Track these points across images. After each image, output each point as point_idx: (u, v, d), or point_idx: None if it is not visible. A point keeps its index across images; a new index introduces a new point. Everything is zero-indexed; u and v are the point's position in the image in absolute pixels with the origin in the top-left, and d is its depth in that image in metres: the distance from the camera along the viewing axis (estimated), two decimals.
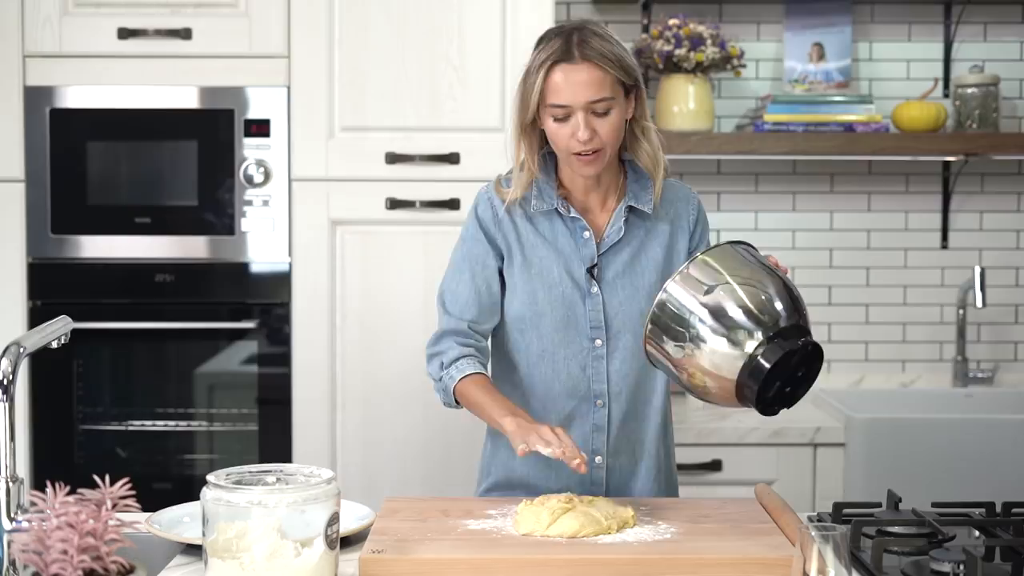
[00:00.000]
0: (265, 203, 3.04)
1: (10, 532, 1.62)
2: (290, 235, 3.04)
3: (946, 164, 3.59)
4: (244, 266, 3.05)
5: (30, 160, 3.03)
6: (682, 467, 3.05)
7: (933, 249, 3.63)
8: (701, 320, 1.80)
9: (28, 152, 3.03)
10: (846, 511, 1.99)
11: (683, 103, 3.37)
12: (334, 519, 1.59)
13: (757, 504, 1.98)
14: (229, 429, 3.10)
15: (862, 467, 3.02)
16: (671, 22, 3.35)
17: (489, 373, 2.16)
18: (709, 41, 3.32)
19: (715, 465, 3.07)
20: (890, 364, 3.63)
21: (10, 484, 1.64)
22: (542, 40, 2.07)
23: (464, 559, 1.69)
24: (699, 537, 1.79)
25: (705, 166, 3.60)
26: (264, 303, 3.06)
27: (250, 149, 3.03)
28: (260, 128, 3.03)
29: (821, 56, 3.54)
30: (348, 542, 1.80)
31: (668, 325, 1.82)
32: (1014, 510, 1.97)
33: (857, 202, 3.62)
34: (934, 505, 2.03)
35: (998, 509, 1.99)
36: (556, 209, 2.12)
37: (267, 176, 3.03)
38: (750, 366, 1.78)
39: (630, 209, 2.13)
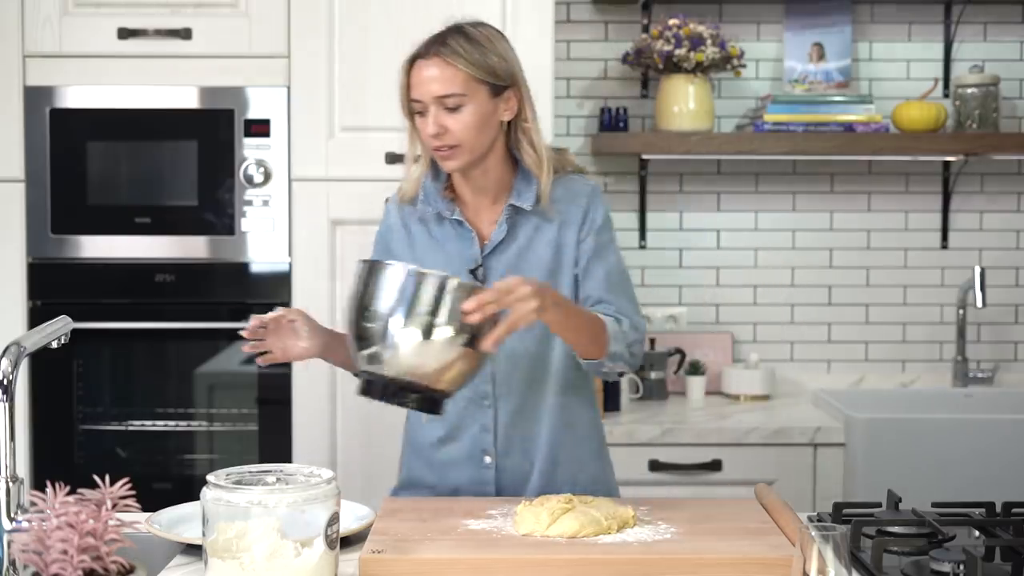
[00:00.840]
0: (265, 203, 3.04)
1: (10, 532, 1.62)
2: (290, 235, 3.04)
3: (946, 164, 3.59)
4: (244, 266, 3.05)
5: (30, 160, 3.03)
6: (682, 467, 3.06)
7: (933, 249, 3.63)
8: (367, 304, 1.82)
9: (28, 152, 3.03)
10: (846, 511, 1.99)
11: (683, 103, 3.37)
12: (334, 519, 1.59)
13: (757, 504, 1.98)
14: (229, 429, 3.10)
15: (862, 467, 3.02)
16: (671, 22, 3.35)
17: None
18: (709, 41, 3.32)
19: (715, 465, 3.07)
20: (890, 364, 3.63)
21: (10, 484, 1.64)
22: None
23: (464, 559, 1.69)
24: (699, 537, 1.79)
25: (705, 166, 3.60)
26: (264, 303, 3.05)
27: (250, 149, 3.03)
28: (260, 128, 3.03)
29: (821, 56, 3.55)
30: (348, 542, 1.80)
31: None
32: (1014, 510, 1.97)
33: (857, 202, 3.62)
34: (934, 505, 2.03)
35: (998, 509, 1.99)
36: (441, 212, 2.15)
37: (267, 176, 3.03)
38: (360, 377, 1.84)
39: (515, 208, 2.13)
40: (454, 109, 2.05)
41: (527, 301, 1.83)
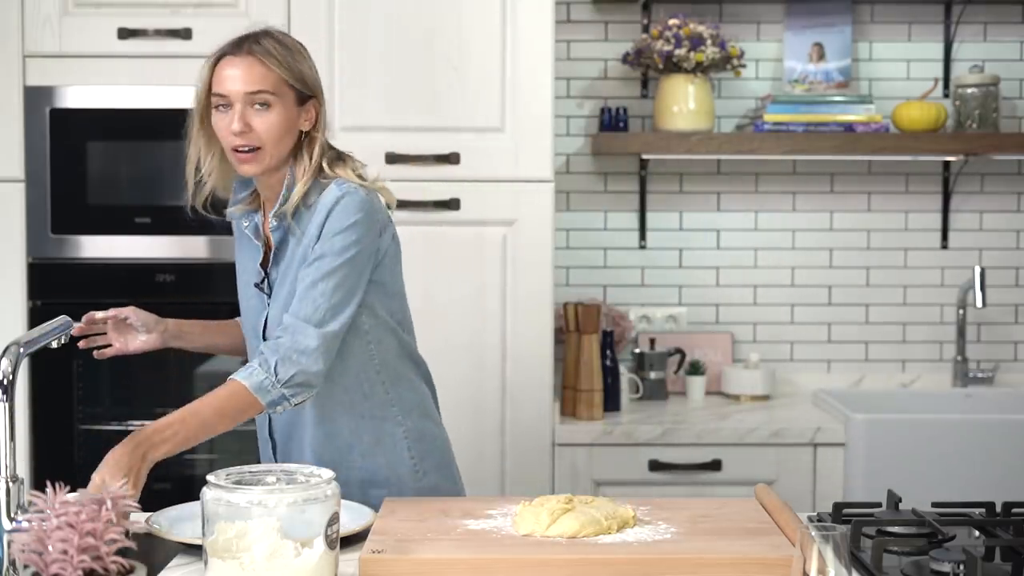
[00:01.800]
0: None
1: (10, 532, 1.62)
2: None
3: (946, 164, 3.59)
4: None
5: (30, 160, 3.03)
6: (682, 467, 3.06)
7: (933, 249, 3.63)
8: None
9: (28, 152, 3.03)
10: (846, 511, 1.99)
11: (683, 103, 3.37)
12: (334, 519, 1.59)
13: (757, 504, 1.98)
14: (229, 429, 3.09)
15: (862, 467, 3.02)
16: (671, 22, 3.35)
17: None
18: (709, 41, 3.32)
19: (715, 465, 3.07)
20: (890, 364, 3.63)
21: (10, 484, 1.64)
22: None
23: (464, 559, 1.69)
24: (699, 537, 1.78)
25: (705, 166, 3.60)
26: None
27: None
28: None
29: (821, 56, 3.54)
30: (348, 542, 1.80)
31: None
32: (1014, 510, 1.97)
33: (857, 202, 3.62)
34: (934, 505, 2.03)
35: (998, 509, 1.99)
36: (241, 221, 2.17)
37: None
38: None
39: (279, 220, 2.09)
40: (262, 107, 2.04)
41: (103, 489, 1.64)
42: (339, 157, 2.14)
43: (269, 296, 2.14)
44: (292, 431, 2.17)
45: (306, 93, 2.09)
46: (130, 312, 2.18)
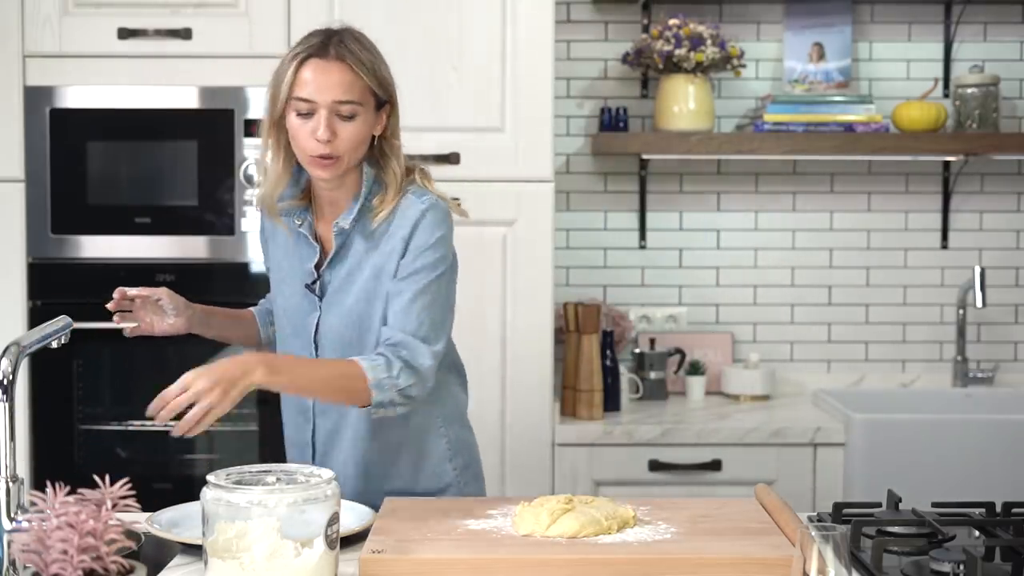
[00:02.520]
0: None
1: (10, 532, 1.62)
2: None
3: (946, 164, 3.59)
4: (244, 266, 3.05)
5: (30, 160, 3.03)
6: (682, 467, 3.06)
7: (933, 249, 3.63)
8: None
9: (28, 152, 3.03)
10: (846, 511, 1.99)
11: (683, 103, 3.37)
12: (334, 519, 1.59)
13: (757, 504, 1.98)
14: (229, 429, 3.10)
15: (862, 467, 3.02)
16: (671, 22, 3.35)
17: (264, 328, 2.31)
18: (709, 41, 3.32)
19: (715, 465, 3.07)
20: (890, 364, 3.63)
21: (10, 484, 1.64)
22: (301, 39, 2.05)
23: (464, 559, 1.69)
24: (699, 537, 1.79)
25: (705, 166, 3.60)
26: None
27: (250, 149, 3.03)
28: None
29: (821, 56, 3.54)
30: (348, 542, 1.80)
31: None
32: (1014, 510, 1.97)
33: (857, 202, 3.62)
34: (934, 505, 2.03)
35: (998, 509, 1.99)
36: (293, 220, 2.11)
37: None
38: None
39: (353, 224, 2.07)
40: (348, 118, 1.98)
41: (206, 395, 1.78)
42: (413, 167, 2.12)
43: (320, 299, 2.10)
44: (335, 439, 2.13)
45: (384, 99, 2.05)
46: (163, 294, 2.13)
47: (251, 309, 2.33)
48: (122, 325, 2.13)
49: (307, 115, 1.98)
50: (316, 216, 2.12)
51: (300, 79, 1.98)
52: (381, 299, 2.05)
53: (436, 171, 3.00)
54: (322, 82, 1.97)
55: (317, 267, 2.10)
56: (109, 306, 2.09)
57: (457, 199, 2.14)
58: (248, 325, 2.31)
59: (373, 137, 2.05)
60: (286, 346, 2.17)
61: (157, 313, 2.15)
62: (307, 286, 2.10)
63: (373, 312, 2.06)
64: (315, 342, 2.10)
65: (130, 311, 2.13)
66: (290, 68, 1.99)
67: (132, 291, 2.11)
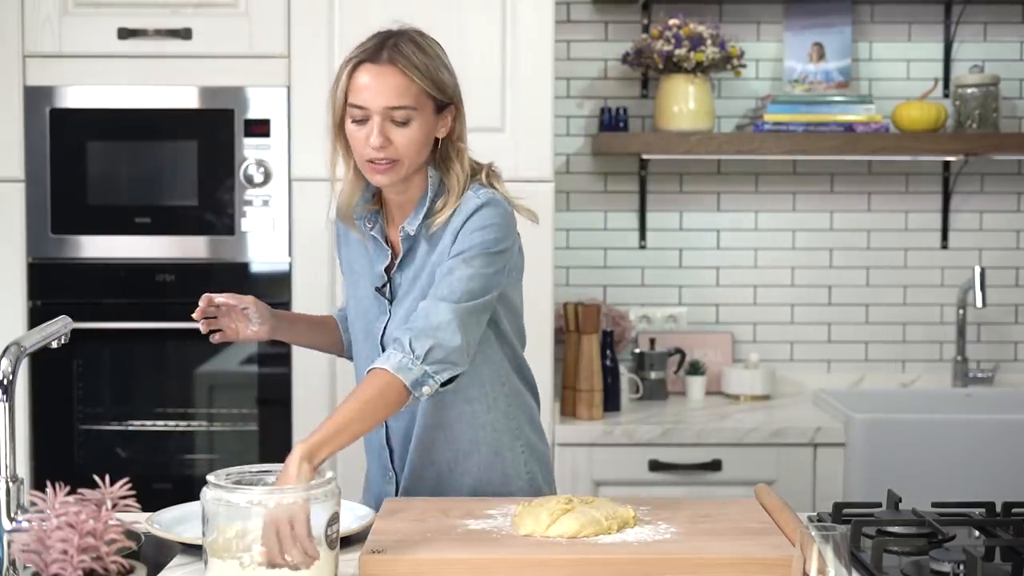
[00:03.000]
0: (265, 203, 3.04)
1: (10, 532, 1.62)
2: (290, 235, 3.04)
3: (946, 164, 3.59)
4: (244, 266, 3.05)
5: (30, 160, 3.03)
6: (682, 467, 3.06)
7: (933, 249, 3.63)
8: None
9: (28, 152, 3.03)
10: (846, 511, 1.99)
11: (683, 103, 3.37)
12: (334, 519, 1.59)
13: (757, 504, 1.98)
14: (229, 429, 3.10)
15: (862, 467, 3.02)
16: (671, 22, 3.35)
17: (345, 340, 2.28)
18: (709, 41, 3.32)
19: (715, 465, 3.07)
20: (890, 364, 3.63)
21: (10, 484, 1.64)
22: (363, 42, 2.02)
23: (464, 559, 1.69)
24: (699, 537, 1.78)
25: (705, 166, 3.60)
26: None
27: (250, 149, 3.03)
28: (260, 128, 3.03)
29: (821, 56, 3.54)
30: (348, 542, 1.80)
31: None
32: (1014, 510, 1.97)
33: (857, 202, 3.62)
34: (934, 505, 2.03)
35: (998, 509, 1.99)
36: (363, 223, 2.10)
37: (267, 176, 3.03)
38: None
39: (419, 227, 2.06)
40: (402, 123, 1.96)
41: (287, 545, 1.57)
42: (480, 168, 2.10)
43: (390, 302, 2.09)
44: (409, 438, 2.12)
45: (445, 101, 2.02)
46: (249, 302, 2.08)
47: (332, 315, 2.31)
48: (206, 331, 2.08)
49: (362, 121, 1.96)
50: (387, 220, 2.11)
51: (354, 85, 1.96)
52: None
53: None
54: (374, 87, 1.95)
55: (387, 270, 2.10)
56: (195, 314, 2.04)
57: (521, 198, 2.10)
58: (331, 331, 2.29)
59: (437, 140, 2.03)
60: (358, 348, 2.17)
61: (242, 320, 2.09)
62: (377, 289, 2.10)
63: None
64: (381, 345, 2.09)
65: (215, 317, 2.08)
66: (344, 73, 1.97)
67: (219, 298, 2.06)
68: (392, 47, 1.97)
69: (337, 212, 2.12)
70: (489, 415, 2.11)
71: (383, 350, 2.06)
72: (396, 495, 2.14)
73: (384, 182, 2.00)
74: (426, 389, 1.90)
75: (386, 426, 2.14)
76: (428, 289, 2.02)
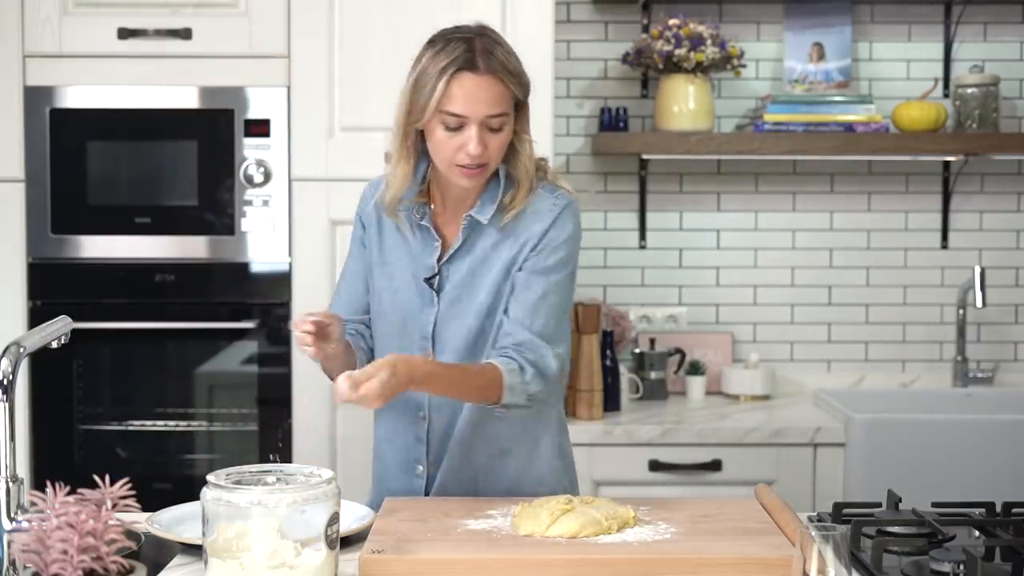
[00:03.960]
0: (265, 203, 3.04)
1: (10, 532, 1.62)
2: (290, 235, 3.04)
3: (946, 164, 3.59)
4: (244, 266, 3.05)
5: (30, 160, 3.03)
6: (682, 467, 3.06)
7: (933, 249, 3.63)
8: None
9: (28, 152, 3.03)
10: (846, 511, 1.99)
11: (683, 103, 3.37)
12: (334, 519, 1.59)
13: (757, 504, 1.98)
14: (229, 429, 3.10)
15: (862, 467, 3.02)
16: (671, 22, 3.35)
17: (365, 349, 2.18)
18: (709, 41, 3.32)
19: (715, 465, 3.07)
20: (890, 364, 3.63)
21: (10, 484, 1.64)
22: (438, 42, 1.99)
23: (464, 559, 1.69)
24: (699, 537, 1.79)
25: (705, 166, 3.60)
26: (264, 303, 3.06)
27: (250, 149, 3.03)
28: (260, 128, 3.03)
29: (821, 56, 3.54)
30: (348, 542, 1.80)
31: None
32: (1014, 510, 1.97)
33: (857, 202, 3.62)
34: (934, 505, 2.03)
35: (998, 509, 1.99)
36: (411, 214, 2.09)
37: (267, 176, 3.03)
38: None
39: (474, 220, 2.07)
40: (497, 129, 1.97)
41: (371, 400, 1.84)
42: (542, 163, 2.12)
43: (438, 294, 2.09)
44: (449, 435, 2.12)
45: (522, 101, 2.02)
46: (334, 320, 1.98)
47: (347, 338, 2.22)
48: (304, 345, 2.00)
49: (456, 128, 1.96)
50: (436, 211, 2.11)
51: (450, 94, 1.94)
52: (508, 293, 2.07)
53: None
54: (474, 97, 1.94)
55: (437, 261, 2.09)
56: (296, 327, 1.95)
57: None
58: (352, 355, 2.22)
59: None
60: (387, 344, 2.12)
61: (326, 339, 2.02)
62: (426, 280, 2.09)
63: (501, 306, 2.07)
64: (433, 337, 2.08)
65: (310, 332, 1.98)
66: (440, 81, 1.94)
67: (318, 318, 1.95)
68: (485, 53, 1.95)
69: (382, 205, 2.10)
70: (527, 416, 2.12)
71: (434, 342, 2.07)
72: (426, 493, 2.14)
73: (473, 185, 2.03)
74: (504, 411, 2.03)
75: (428, 420, 2.12)
76: (500, 282, 2.05)
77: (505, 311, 2.06)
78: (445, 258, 2.08)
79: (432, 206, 2.11)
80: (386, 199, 2.09)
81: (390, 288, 2.12)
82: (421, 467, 2.15)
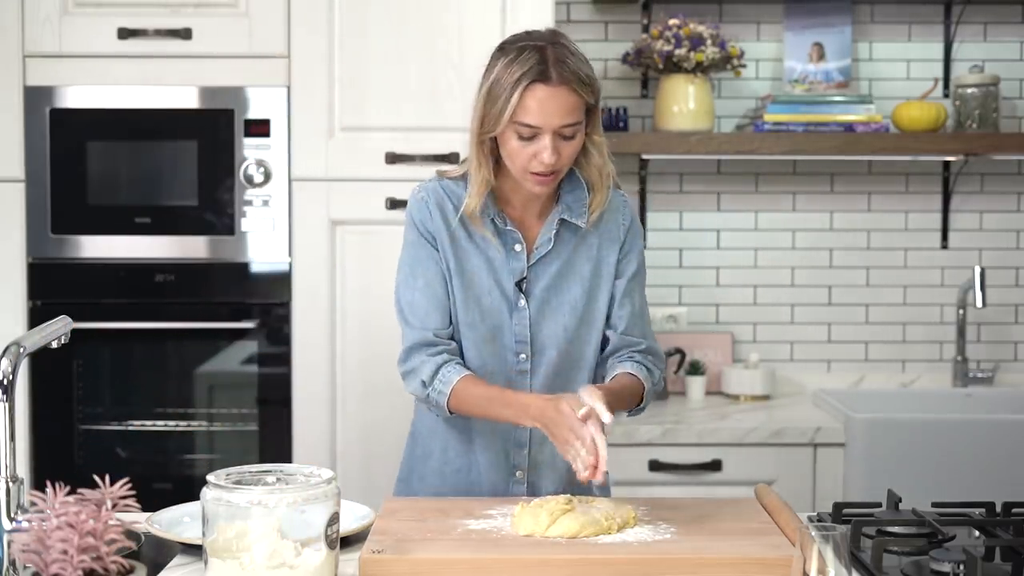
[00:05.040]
0: (265, 203, 3.04)
1: (10, 532, 1.62)
2: (290, 235, 3.04)
3: (946, 164, 3.59)
4: (244, 266, 3.05)
5: (30, 160, 3.03)
6: (682, 467, 3.06)
7: (933, 249, 3.63)
8: None
9: (28, 152, 3.03)
10: (846, 511, 1.99)
11: (683, 103, 3.37)
12: (334, 519, 1.59)
13: (757, 504, 1.98)
14: (229, 429, 3.10)
15: (862, 467, 3.02)
16: (671, 22, 3.35)
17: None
18: (709, 41, 3.32)
19: (715, 465, 3.07)
20: (890, 364, 3.63)
21: (10, 484, 1.64)
22: (510, 50, 1.98)
23: (464, 559, 1.69)
24: (699, 537, 1.79)
25: (705, 166, 3.60)
26: (264, 303, 3.06)
27: (250, 149, 3.03)
28: (260, 128, 3.03)
29: (821, 56, 3.55)
30: (348, 542, 1.80)
31: None
32: (1014, 510, 1.97)
33: (857, 202, 3.62)
34: (934, 505, 2.03)
35: (998, 509, 1.99)
36: (492, 220, 2.08)
37: (267, 176, 3.03)
38: None
39: (561, 222, 2.09)
40: (570, 137, 1.98)
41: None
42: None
43: (527, 297, 2.09)
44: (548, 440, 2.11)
45: (595, 105, 2.02)
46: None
47: (468, 376, 2.06)
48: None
49: (529, 138, 1.97)
50: (511, 215, 2.11)
51: (525, 105, 1.95)
52: (603, 291, 2.13)
53: (436, 171, 3.01)
54: (549, 108, 1.94)
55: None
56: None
57: None
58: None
59: None
60: (479, 352, 2.10)
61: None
62: (516, 284, 2.09)
63: (596, 305, 2.12)
64: (530, 339, 2.09)
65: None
66: (514, 93, 1.94)
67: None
68: (558, 63, 1.95)
69: (466, 213, 2.07)
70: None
71: (531, 344, 2.10)
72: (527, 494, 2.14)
73: (545, 191, 2.05)
74: (638, 414, 2.16)
75: (529, 429, 2.10)
76: (592, 281, 2.11)
77: (610, 317, 2.14)
78: (534, 260, 2.09)
79: (507, 209, 2.11)
80: (470, 207, 2.06)
81: (472, 297, 2.10)
82: (520, 472, 2.14)
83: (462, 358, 2.10)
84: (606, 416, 1.87)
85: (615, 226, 2.14)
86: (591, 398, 1.89)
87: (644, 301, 2.19)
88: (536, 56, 1.95)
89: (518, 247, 2.09)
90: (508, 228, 2.08)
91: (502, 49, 2.01)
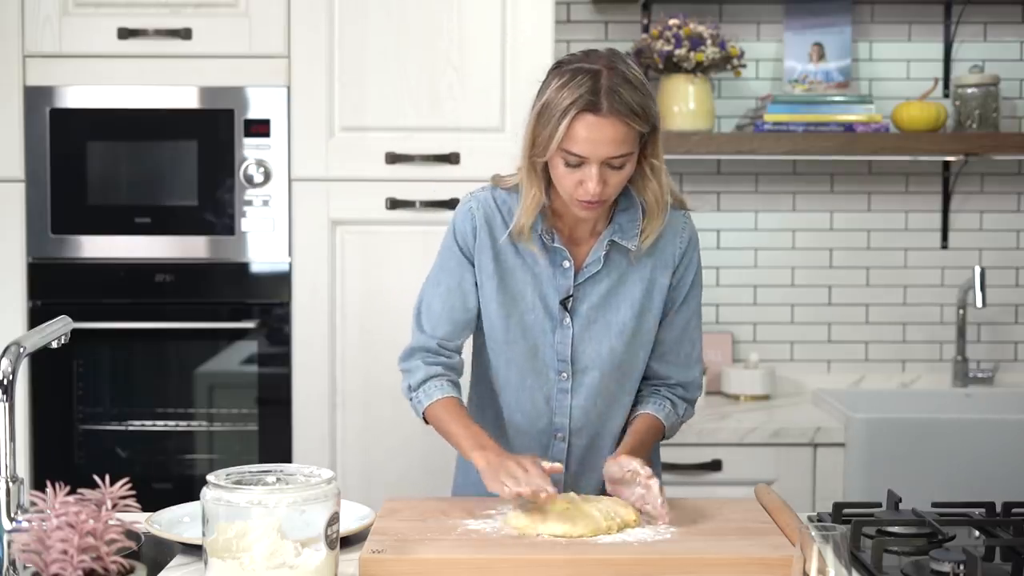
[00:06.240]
0: (265, 203, 3.04)
1: (10, 532, 1.62)
2: (290, 235, 3.04)
3: (946, 164, 3.59)
4: (244, 266, 3.05)
5: (30, 160, 3.03)
6: (682, 467, 3.06)
7: (933, 249, 3.63)
8: None
9: (28, 152, 3.03)
10: (846, 511, 1.99)
11: (683, 103, 3.37)
12: (334, 519, 1.59)
13: (757, 504, 1.98)
14: (229, 429, 3.10)
15: (862, 467, 3.02)
16: (671, 22, 3.35)
17: (462, 390, 2.13)
18: (709, 41, 3.32)
19: (715, 465, 3.07)
20: (890, 364, 3.63)
21: (10, 484, 1.64)
22: (565, 71, 1.93)
23: (464, 559, 1.69)
24: (699, 537, 1.79)
25: (705, 166, 3.60)
26: (264, 303, 3.06)
27: (250, 149, 3.03)
28: (260, 128, 3.03)
29: (821, 56, 3.54)
30: (348, 542, 1.80)
31: None
32: (1014, 510, 1.97)
33: (857, 202, 3.62)
34: (934, 505, 2.03)
35: (998, 509, 1.99)
36: (540, 236, 2.05)
37: (267, 176, 3.03)
38: None
39: (612, 243, 2.06)
40: (619, 167, 1.93)
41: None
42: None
43: (572, 316, 2.07)
44: (589, 456, 2.14)
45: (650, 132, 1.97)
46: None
47: (449, 398, 2.09)
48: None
49: (576, 166, 1.93)
50: (561, 233, 2.08)
51: (572, 135, 1.90)
52: (652, 313, 2.10)
53: (436, 171, 3.02)
54: (597, 139, 1.89)
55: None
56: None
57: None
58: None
59: None
60: (517, 370, 2.11)
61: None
62: (561, 302, 2.07)
63: (644, 327, 2.10)
64: (572, 359, 2.08)
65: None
66: (563, 122, 1.89)
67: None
68: (611, 93, 1.88)
69: (516, 231, 2.05)
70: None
71: (573, 364, 2.09)
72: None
73: (591, 217, 2.03)
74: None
75: (568, 444, 2.12)
76: (643, 303, 2.08)
77: (656, 346, 2.13)
78: (582, 279, 2.07)
79: (558, 224, 2.08)
80: (519, 226, 2.04)
81: (515, 313, 2.08)
82: (554, 489, 2.13)
83: (460, 371, 2.13)
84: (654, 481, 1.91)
85: (669, 251, 2.10)
86: (633, 464, 1.93)
87: (691, 327, 2.15)
88: (589, 83, 1.89)
89: (566, 264, 2.06)
90: (556, 245, 2.05)
91: (558, 67, 1.97)
